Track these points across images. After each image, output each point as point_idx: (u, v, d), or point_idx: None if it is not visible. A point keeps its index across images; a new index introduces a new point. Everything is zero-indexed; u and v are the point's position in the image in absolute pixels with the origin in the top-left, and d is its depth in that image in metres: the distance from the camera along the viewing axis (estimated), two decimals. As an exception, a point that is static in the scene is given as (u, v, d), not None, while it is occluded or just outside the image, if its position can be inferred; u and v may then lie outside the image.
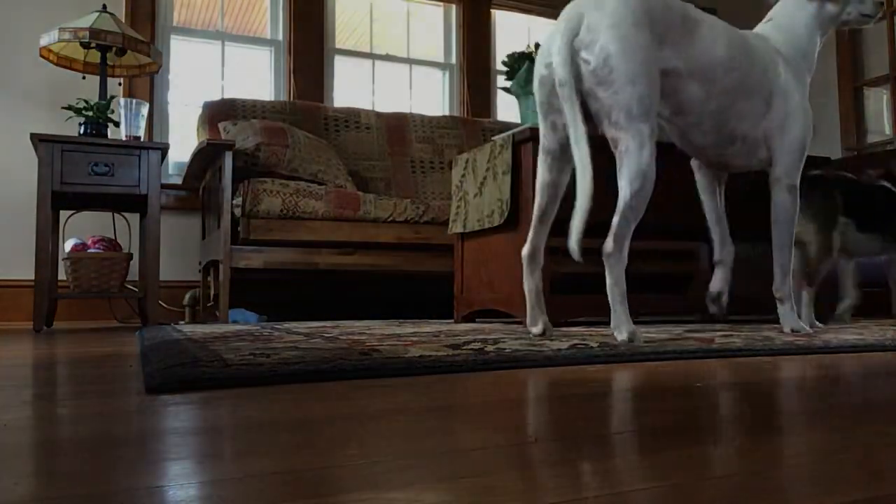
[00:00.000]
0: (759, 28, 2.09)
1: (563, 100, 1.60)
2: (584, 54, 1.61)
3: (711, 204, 2.14)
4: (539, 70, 1.75)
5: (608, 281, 1.62)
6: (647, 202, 1.63)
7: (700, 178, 2.15)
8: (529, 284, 1.75)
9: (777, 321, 2.06)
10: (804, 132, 1.95)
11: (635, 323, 1.64)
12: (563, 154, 1.74)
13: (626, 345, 1.49)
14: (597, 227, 1.63)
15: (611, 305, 1.62)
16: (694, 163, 2.15)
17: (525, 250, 1.76)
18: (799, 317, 2.07)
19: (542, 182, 1.78)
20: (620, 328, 1.60)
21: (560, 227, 2.44)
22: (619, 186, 1.62)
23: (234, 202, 2.81)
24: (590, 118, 1.71)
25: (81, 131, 2.76)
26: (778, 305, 2.04)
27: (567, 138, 1.62)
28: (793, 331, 1.97)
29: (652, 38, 1.65)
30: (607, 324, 1.67)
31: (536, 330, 1.74)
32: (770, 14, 2.11)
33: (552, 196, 1.79)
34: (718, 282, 2.10)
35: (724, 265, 2.12)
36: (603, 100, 1.61)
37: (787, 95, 1.93)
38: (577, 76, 1.62)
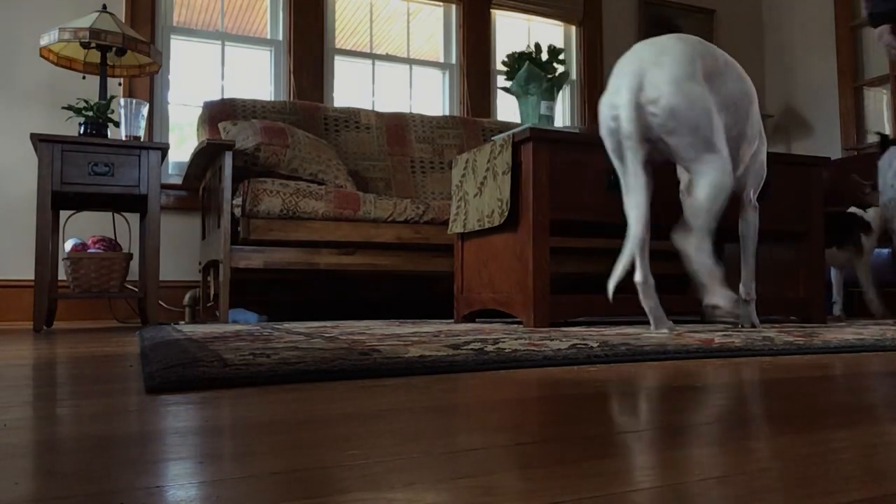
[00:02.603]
0: None
1: (627, 150, 1.86)
2: (650, 108, 1.84)
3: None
4: (606, 122, 1.95)
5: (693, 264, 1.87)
6: (721, 208, 1.87)
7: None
8: (650, 303, 1.96)
9: (776, 321, 2.09)
10: (764, 156, 2.18)
11: (634, 323, 1.66)
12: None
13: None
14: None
15: (702, 282, 1.86)
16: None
17: (637, 277, 1.95)
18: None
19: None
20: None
21: (559, 226, 2.44)
22: (695, 196, 1.85)
23: (234, 202, 2.81)
24: (660, 155, 1.98)
25: (81, 131, 2.76)
26: (744, 305, 2.20)
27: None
28: (752, 326, 2.19)
29: (702, 83, 1.87)
30: (607, 324, 1.67)
31: (665, 330, 1.90)
32: None
33: (645, 223, 1.94)
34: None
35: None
36: (672, 145, 1.88)
37: (757, 122, 2.11)
38: (645, 125, 1.86)
